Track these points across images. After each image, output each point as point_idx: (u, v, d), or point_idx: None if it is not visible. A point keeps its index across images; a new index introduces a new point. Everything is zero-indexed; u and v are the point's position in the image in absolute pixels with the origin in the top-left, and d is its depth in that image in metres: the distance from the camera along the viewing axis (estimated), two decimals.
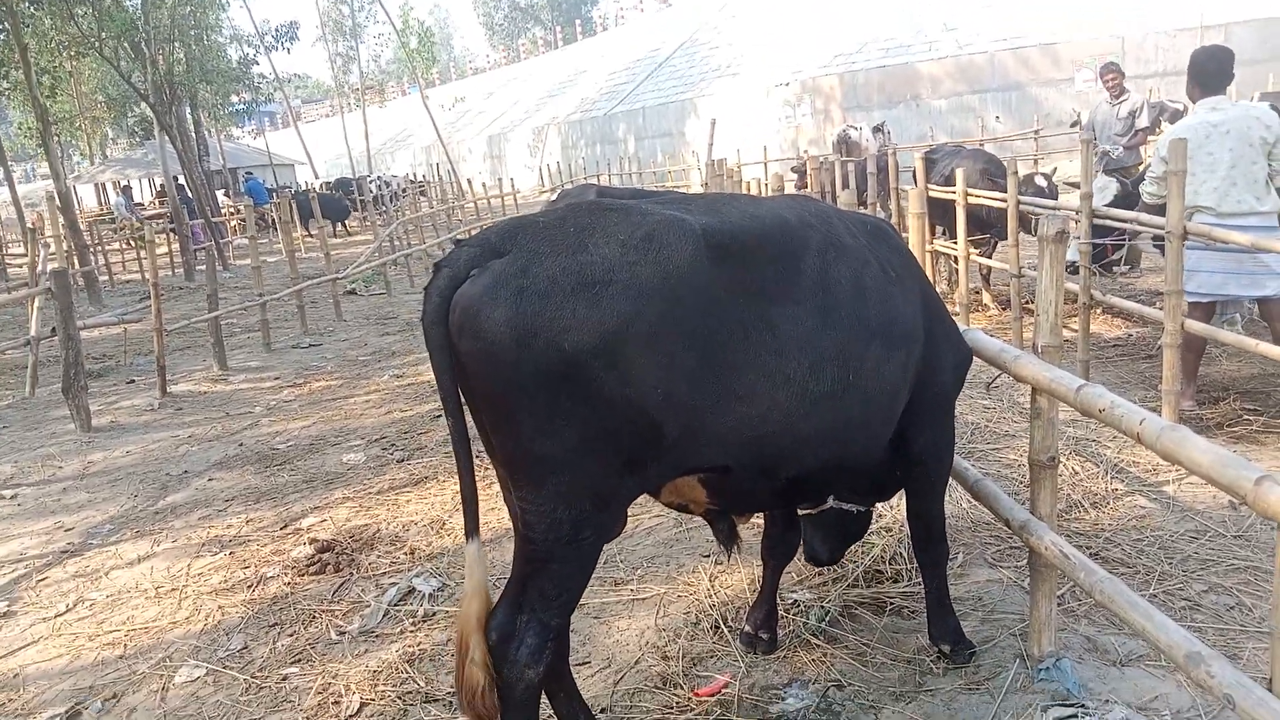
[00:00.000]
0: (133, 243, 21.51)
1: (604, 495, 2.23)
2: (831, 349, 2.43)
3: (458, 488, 2.35)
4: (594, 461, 2.16)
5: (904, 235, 8.54)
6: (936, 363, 2.85)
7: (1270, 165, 5.11)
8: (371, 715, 3.17)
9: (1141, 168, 8.51)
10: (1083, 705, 2.75)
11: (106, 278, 18.87)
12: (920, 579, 3.24)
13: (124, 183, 31.19)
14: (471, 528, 2.27)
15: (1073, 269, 5.85)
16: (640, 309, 2.11)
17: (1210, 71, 5.25)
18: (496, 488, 2.52)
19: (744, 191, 12.15)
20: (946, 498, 4.18)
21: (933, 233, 8.66)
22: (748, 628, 3.28)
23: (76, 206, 20.37)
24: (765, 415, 2.35)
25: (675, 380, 2.18)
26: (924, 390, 2.80)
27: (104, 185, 36.43)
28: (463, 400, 2.20)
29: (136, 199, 30.29)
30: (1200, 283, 5.17)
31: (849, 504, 3.16)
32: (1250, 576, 3.43)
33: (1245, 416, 5.13)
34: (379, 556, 4.45)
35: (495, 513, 4.49)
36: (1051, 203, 7.32)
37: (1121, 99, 9.38)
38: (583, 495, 2.18)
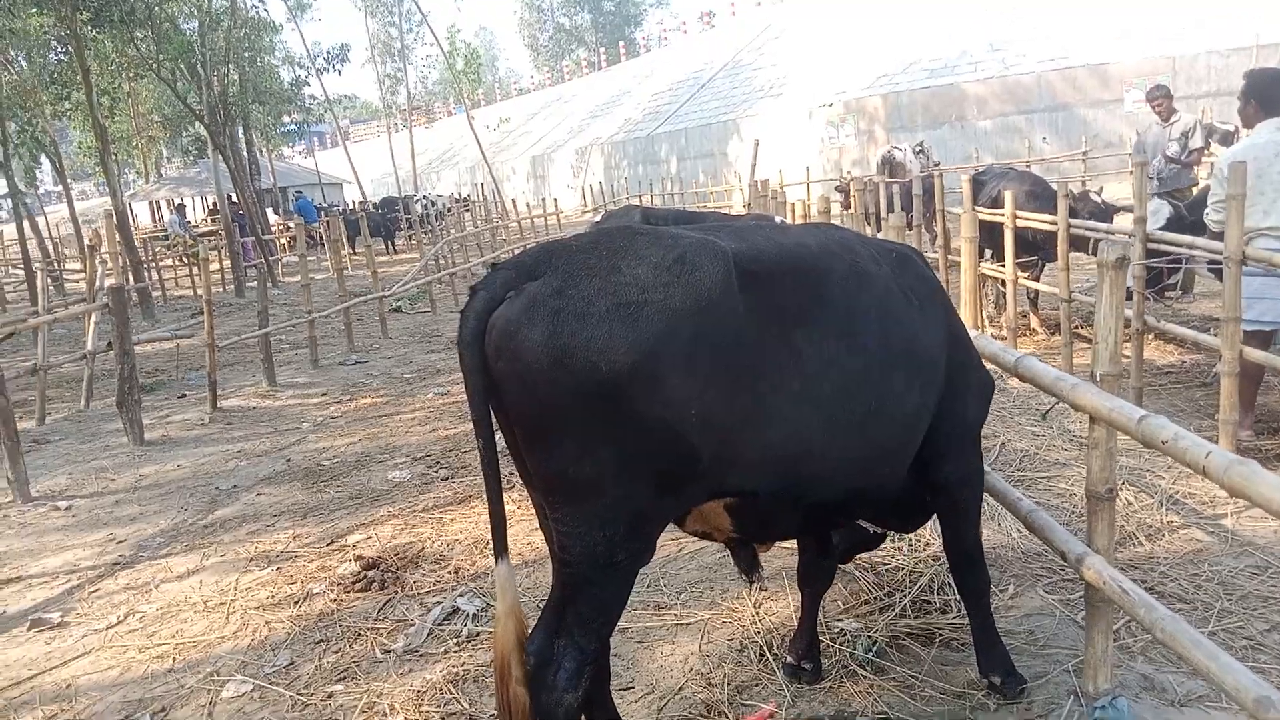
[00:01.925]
0: (186, 259, 22.04)
1: (639, 517, 2.23)
2: (855, 374, 2.44)
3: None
4: (630, 483, 2.16)
5: (953, 259, 8.46)
6: (960, 390, 2.84)
7: None
8: None
9: (1196, 190, 8.33)
10: None
11: (160, 293, 19.30)
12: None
13: (178, 200, 31.99)
14: (500, 549, 2.28)
15: (1125, 294, 5.73)
16: (675, 328, 2.12)
17: (1272, 95, 5.14)
18: None
19: (788, 212, 12.11)
20: (998, 527, 4.14)
21: (980, 255, 8.55)
22: (790, 659, 3.24)
23: (132, 224, 20.86)
24: (791, 438, 2.35)
25: (709, 400, 2.18)
26: (947, 417, 2.80)
27: (158, 203, 37.35)
28: (495, 424, 2.21)
29: (189, 217, 31.00)
30: (1262, 311, 5.03)
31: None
32: None
33: None
34: (424, 575, 4.47)
35: (540, 533, 4.49)
36: (1104, 226, 7.19)
37: (1173, 120, 9.22)
38: (618, 518, 2.18)
